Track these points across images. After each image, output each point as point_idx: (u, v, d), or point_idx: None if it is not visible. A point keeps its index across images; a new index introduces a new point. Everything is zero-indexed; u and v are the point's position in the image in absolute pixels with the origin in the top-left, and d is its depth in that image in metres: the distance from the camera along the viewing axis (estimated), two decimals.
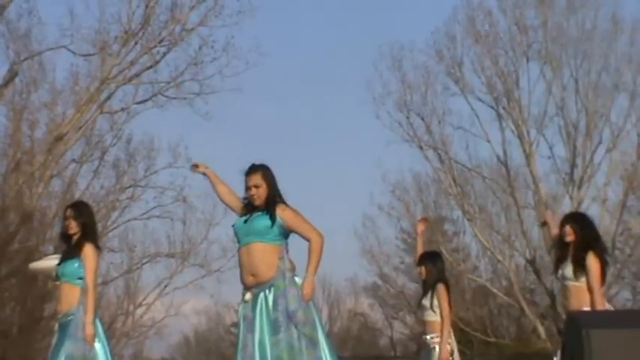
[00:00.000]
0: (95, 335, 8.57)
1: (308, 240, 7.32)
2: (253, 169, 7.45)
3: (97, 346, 8.58)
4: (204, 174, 7.85)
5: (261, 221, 7.29)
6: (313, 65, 73.98)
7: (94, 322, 8.58)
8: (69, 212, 8.92)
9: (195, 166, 7.93)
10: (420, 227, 11.09)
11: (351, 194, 67.45)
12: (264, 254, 7.23)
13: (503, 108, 32.38)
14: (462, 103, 33.19)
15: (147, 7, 28.11)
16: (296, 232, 7.36)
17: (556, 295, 29.49)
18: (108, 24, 28.60)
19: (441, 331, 10.07)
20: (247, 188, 7.41)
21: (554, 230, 9.25)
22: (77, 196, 29.22)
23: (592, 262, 8.65)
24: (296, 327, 7.04)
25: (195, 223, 38.27)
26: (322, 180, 71.53)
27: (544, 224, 10.88)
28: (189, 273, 39.05)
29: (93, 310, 8.59)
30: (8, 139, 29.31)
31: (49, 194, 28.24)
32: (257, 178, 7.40)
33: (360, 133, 67.17)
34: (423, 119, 33.60)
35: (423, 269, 10.36)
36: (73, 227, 8.83)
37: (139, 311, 41.43)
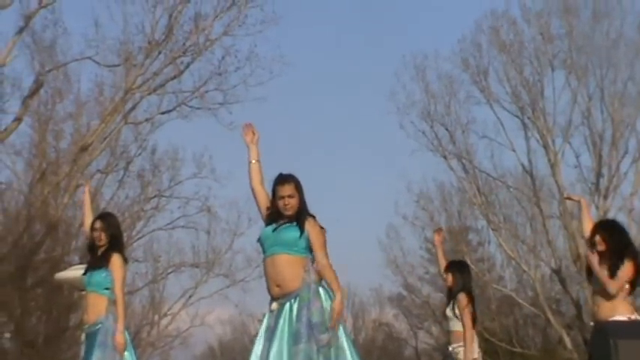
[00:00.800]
0: (126, 344, 8.59)
1: (317, 261, 7.26)
2: (287, 179, 7.37)
3: (126, 354, 8.60)
4: (248, 146, 7.64)
5: (290, 232, 7.23)
6: (337, 75, 74.09)
7: (124, 331, 8.61)
8: (98, 224, 8.97)
9: (248, 129, 7.69)
10: (437, 238, 11.09)
11: (376, 204, 67.37)
12: (289, 265, 7.17)
13: (528, 117, 32.28)
14: (487, 112, 33.19)
15: (170, 17, 28.18)
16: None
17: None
18: (132, 35, 28.76)
19: (464, 340, 10.02)
20: (280, 198, 7.34)
21: (588, 223, 9.08)
22: (102, 206, 29.31)
23: (626, 268, 8.44)
24: (316, 342, 6.99)
25: (219, 233, 38.36)
26: (346, 190, 71.47)
27: (568, 198, 10.77)
28: (214, 283, 39.13)
29: (123, 318, 8.62)
30: (34, 150, 29.48)
31: (74, 204, 28.33)
32: (291, 189, 7.33)
33: (384, 143, 67.10)
34: (447, 129, 33.56)
35: (449, 276, 10.30)
36: (103, 239, 8.89)
37: (164, 321, 41.54)
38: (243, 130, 7.71)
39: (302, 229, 7.21)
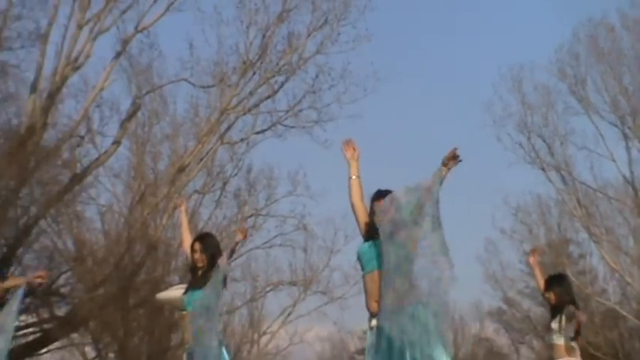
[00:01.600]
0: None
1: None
2: (383, 195, 7.28)
3: None
4: (349, 162, 7.60)
5: None
6: (432, 88, 73.72)
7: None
8: (197, 246, 9.00)
9: (348, 145, 7.66)
10: (531, 260, 10.89)
11: (473, 218, 66.62)
12: None
13: (629, 127, 31.68)
14: (586, 122, 32.65)
15: (264, 37, 28.37)
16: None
17: None
18: (226, 55, 29.01)
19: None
20: (376, 213, 7.27)
21: None
22: (200, 226, 29.53)
23: None
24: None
25: (316, 251, 38.36)
26: (442, 205, 70.85)
27: None
28: (312, 300, 39.14)
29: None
30: (132, 172, 29.86)
31: (173, 225, 28.61)
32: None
33: (480, 155, 66.47)
34: (544, 140, 33.17)
35: (552, 294, 10.10)
36: (202, 260, 8.90)
37: (264, 339, 41.72)
38: (343, 147, 7.66)
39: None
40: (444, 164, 6.83)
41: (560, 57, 33.02)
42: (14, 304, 8.76)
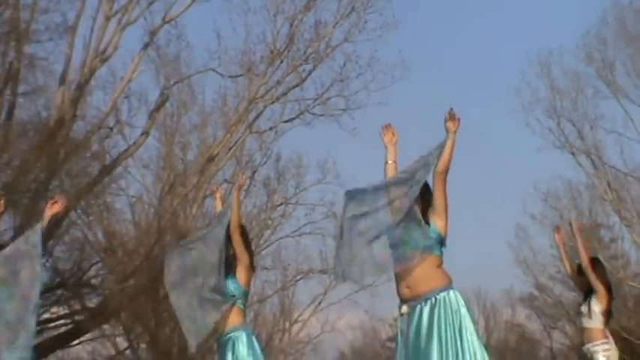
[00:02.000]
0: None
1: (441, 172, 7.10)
2: None
3: None
4: (387, 146, 7.56)
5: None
6: (459, 74, 73.48)
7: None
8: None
9: (388, 129, 7.58)
10: (557, 237, 10.72)
11: (502, 204, 66.49)
12: (420, 265, 7.04)
13: None
14: (615, 106, 32.47)
15: (291, 25, 28.36)
16: (436, 200, 7.13)
17: None
18: (253, 44, 29.03)
19: None
20: None
21: None
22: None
23: None
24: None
25: None
26: (472, 191, 70.78)
27: None
28: (343, 288, 39.07)
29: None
30: (162, 162, 29.97)
31: (202, 215, 28.68)
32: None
33: (509, 141, 66.35)
34: (574, 125, 33.00)
35: (584, 279, 10.07)
36: (231, 249, 8.92)
37: (295, 328, 41.71)
38: (382, 130, 7.63)
39: (427, 223, 7.06)
40: (446, 129, 6.99)
41: (587, 41, 32.85)
42: (35, 238, 8.56)
